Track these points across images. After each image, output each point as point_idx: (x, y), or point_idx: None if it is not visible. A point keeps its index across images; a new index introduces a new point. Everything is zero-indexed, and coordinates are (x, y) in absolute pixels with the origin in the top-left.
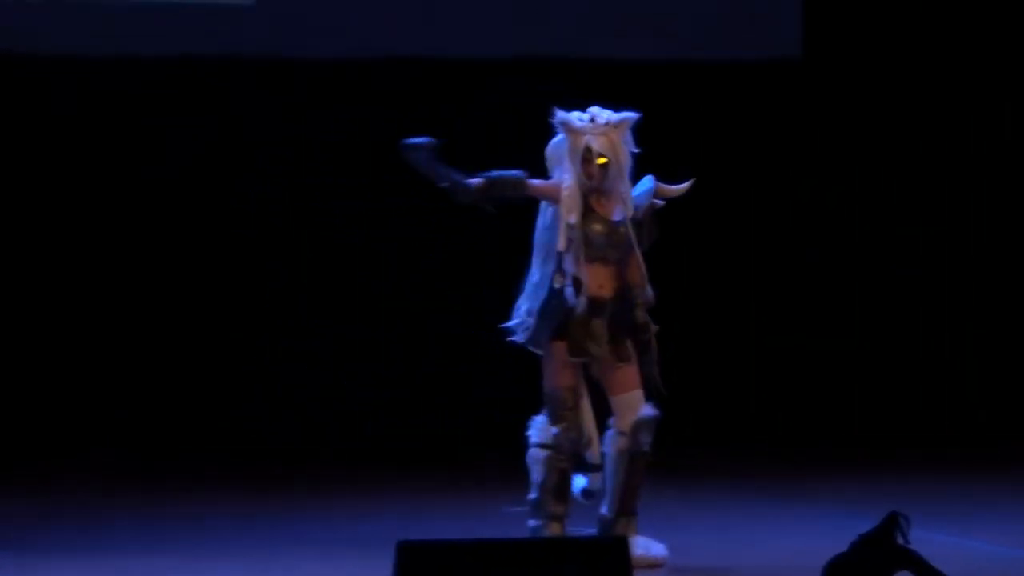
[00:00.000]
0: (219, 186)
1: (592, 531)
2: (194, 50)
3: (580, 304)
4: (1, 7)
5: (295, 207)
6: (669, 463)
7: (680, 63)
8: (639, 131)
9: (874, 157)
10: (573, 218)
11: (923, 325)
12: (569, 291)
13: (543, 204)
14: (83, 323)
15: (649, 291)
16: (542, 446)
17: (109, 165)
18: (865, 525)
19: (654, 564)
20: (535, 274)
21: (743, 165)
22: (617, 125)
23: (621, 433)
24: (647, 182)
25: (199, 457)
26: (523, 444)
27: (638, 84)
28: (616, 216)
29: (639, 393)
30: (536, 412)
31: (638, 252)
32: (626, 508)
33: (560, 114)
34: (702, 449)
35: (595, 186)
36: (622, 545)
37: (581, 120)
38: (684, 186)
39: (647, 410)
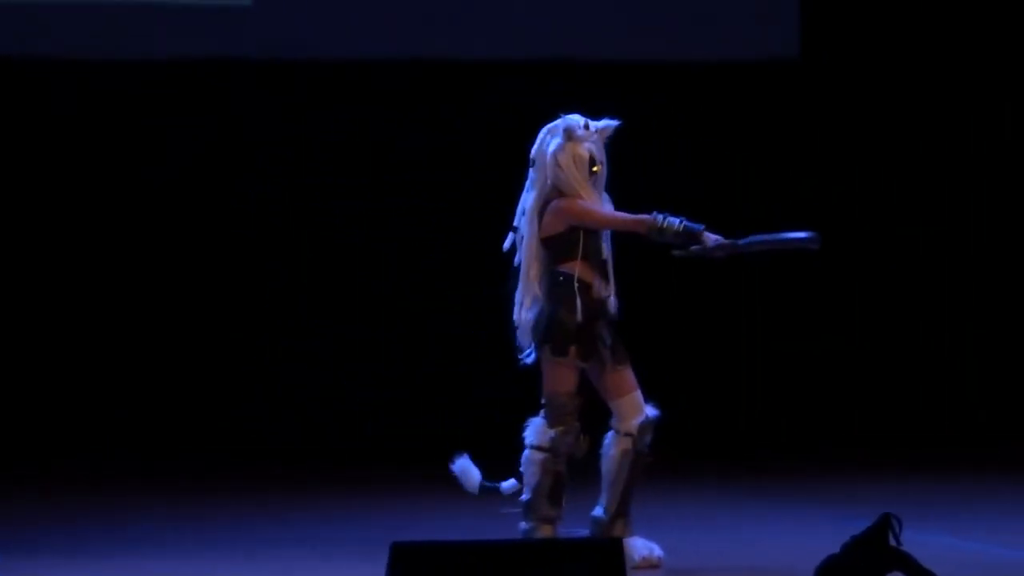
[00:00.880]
0: (219, 186)
1: (584, 532)
2: (194, 51)
3: (591, 308)
4: (1, 9)
5: (295, 207)
6: (663, 464)
7: (678, 63)
8: (635, 131)
9: (872, 157)
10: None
11: (923, 325)
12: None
13: (530, 213)
14: (82, 323)
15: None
16: (539, 448)
17: (109, 165)
18: (859, 526)
19: (654, 565)
20: (532, 285)
21: (740, 165)
22: (603, 132)
23: (626, 435)
24: None
25: (199, 457)
26: (520, 446)
27: (635, 84)
28: None
29: (639, 394)
30: (534, 414)
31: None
32: (622, 510)
33: (566, 120)
34: (695, 449)
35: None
36: (617, 546)
37: (580, 127)
38: None
39: (651, 411)
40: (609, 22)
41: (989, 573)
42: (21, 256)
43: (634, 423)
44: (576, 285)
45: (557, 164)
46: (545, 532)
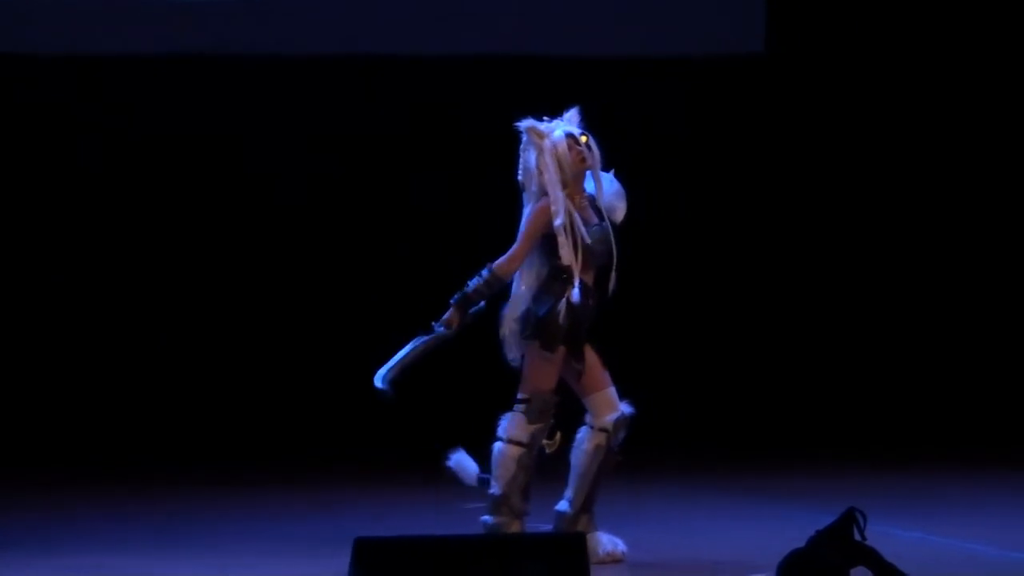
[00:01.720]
0: (219, 186)
1: (547, 527)
2: (192, 48)
3: (585, 307)
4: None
5: (295, 207)
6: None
7: (643, 59)
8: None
9: (838, 152)
10: (559, 221)
11: (924, 324)
12: (576, 294)
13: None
14: (82, 323)
15: None
16: (518, 443)
17: (108, 165)
18: (826, 521)
19: (617, 560)
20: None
21: (707, 161)
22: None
23: (601, 430)
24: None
25: (199, 457)
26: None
27: (601, 80)
28: (597, 218)
29: (614, 391)
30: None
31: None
32: (588, 505)
33: (524, 125)
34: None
35: (590, 166)
36: (581, 541)
37: (539, 122)
38: None
39: (626, 408)
40: (574, 18)
41: (958, 569)
42: (20, 256)
43: (609, 419)
44: (574, 282)
45: (540, 172)
46: (515, 527)
